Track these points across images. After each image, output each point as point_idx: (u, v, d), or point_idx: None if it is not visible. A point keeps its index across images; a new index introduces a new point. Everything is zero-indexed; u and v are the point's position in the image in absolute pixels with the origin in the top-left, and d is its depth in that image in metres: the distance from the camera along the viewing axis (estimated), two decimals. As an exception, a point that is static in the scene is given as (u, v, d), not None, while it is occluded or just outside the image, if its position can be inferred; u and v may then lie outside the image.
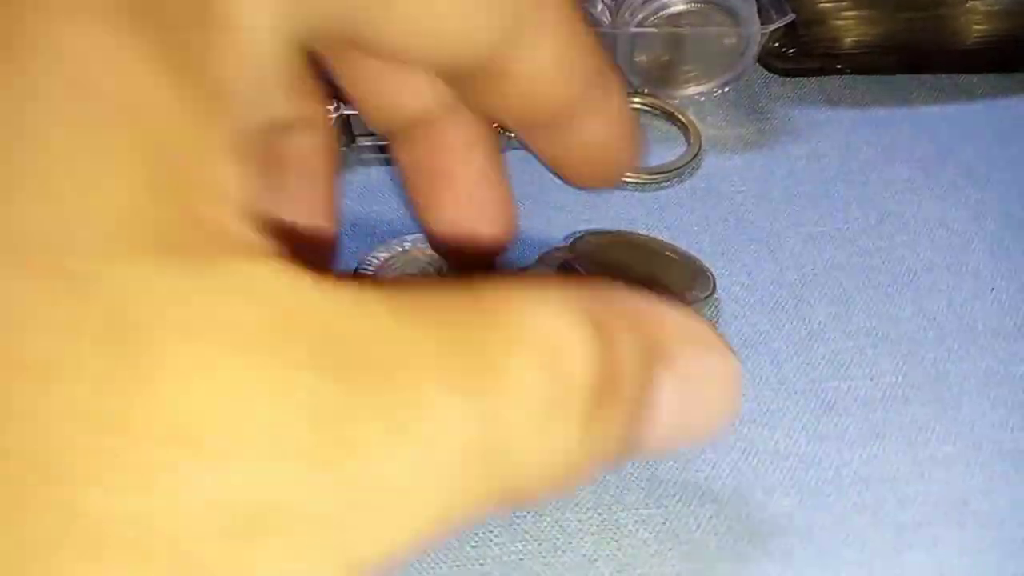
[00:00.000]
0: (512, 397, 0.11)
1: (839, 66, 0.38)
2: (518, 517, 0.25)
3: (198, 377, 0.09)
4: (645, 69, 0.37)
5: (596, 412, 0.12)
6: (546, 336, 0.11)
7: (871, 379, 0.28)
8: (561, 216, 0.33)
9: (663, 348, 0.13)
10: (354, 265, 0.30)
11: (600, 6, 0.36)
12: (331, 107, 0.24)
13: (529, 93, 0.17)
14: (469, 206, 0.20)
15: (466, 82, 0.18)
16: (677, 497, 0.25)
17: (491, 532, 0.24)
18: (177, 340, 0.09)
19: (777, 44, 0.38)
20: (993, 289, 0.31)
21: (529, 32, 0.16)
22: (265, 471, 0.09)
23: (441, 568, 0.24)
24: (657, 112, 0.37)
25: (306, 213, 0.19)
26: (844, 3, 0.38)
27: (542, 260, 0.27)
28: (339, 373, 0.10)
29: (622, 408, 0.12)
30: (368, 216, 0.33)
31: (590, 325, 0.12)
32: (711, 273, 0.29)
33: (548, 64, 0.16)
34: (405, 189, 0.20)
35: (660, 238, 0.31)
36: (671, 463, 0.26)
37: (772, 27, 0.35)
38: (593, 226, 0.32)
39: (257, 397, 0.10)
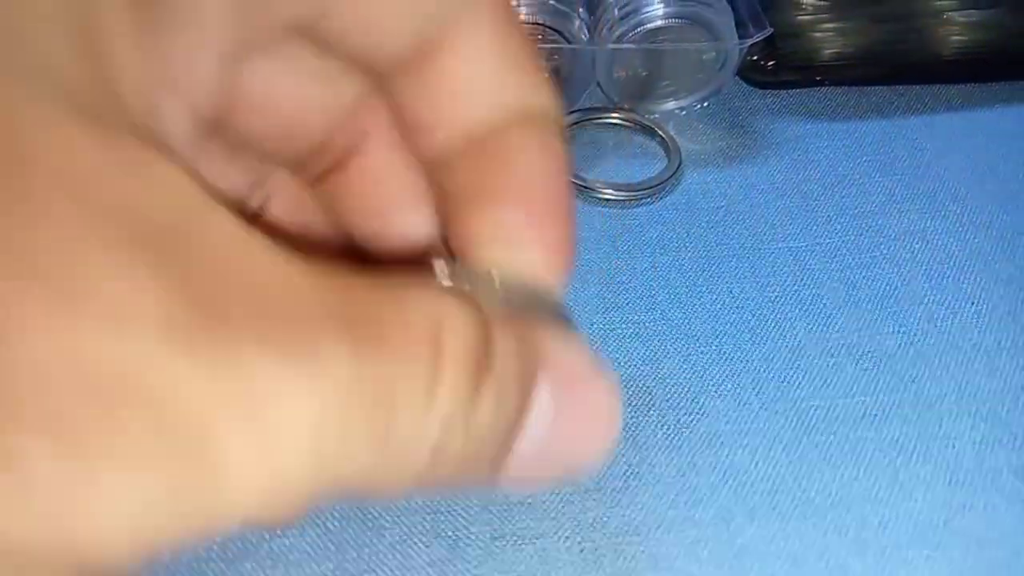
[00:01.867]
0: (395, 360, 0.12)
1: (818, 78, 0.38)
2: (498, 546, 0.24)
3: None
4: (624, 84, 0.37)
5: (470, 384, 0.12)
6: (433, 313, 0.12)
7: (850, 397, 0.28)
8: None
9: (543, 355, 0.14)
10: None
11: (578, 23, 0.36)
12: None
13: (456, 92, 0.16)
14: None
15: (393, 77, 0.17)
16: (657, 523, 0.25)
17: (470, 561, 0.24)
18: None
19: (756, 58, 0.38)
20: (974, 303, 0.31)
21: (465, 21, 0.16)
22: (141, 342, 0.10)
23: (421, 599, 0.24)
24: (636, 127, 0.37)
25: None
26: (822, 16, 0.38)
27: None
28: (250, 312, 0.11)
29: (496, 386, 0.13)
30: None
31: (475, 310, 0.13)
32: None
33: (483, 60, 0.16)
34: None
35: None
36: (650, 488, 0.26)
37: (750, 41, 0.35)
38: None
39: (165, 294, 0.10)
